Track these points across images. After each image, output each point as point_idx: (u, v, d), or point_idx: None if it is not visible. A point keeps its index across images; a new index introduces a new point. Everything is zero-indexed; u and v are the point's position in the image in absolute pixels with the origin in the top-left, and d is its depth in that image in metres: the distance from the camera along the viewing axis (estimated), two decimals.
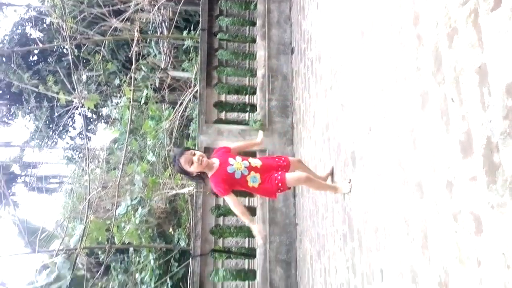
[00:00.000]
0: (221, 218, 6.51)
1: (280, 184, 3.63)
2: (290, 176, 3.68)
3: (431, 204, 2.37)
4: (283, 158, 3.99)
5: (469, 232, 2.00)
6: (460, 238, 2.08)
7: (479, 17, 1.96)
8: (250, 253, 6.65)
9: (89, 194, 6.15)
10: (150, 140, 8.67)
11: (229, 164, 3.60)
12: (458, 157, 2.11)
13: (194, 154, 3.50)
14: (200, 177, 3.65)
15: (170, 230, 8.56)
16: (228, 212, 7.41)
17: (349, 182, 3.80)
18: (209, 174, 3.60)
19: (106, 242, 6.61)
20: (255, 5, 7.27)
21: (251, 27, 7.30)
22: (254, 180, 3.64)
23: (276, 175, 3.66)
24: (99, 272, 6.82)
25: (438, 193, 2.29)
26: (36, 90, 9.37)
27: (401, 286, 2.71)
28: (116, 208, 6.99)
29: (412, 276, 2.57)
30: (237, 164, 3.63)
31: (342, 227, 4.01)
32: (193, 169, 3.50)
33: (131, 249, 9.04)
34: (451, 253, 2.15)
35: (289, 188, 3.78)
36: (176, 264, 7.98)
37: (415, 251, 2.54)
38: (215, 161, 3.63)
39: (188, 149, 3.61)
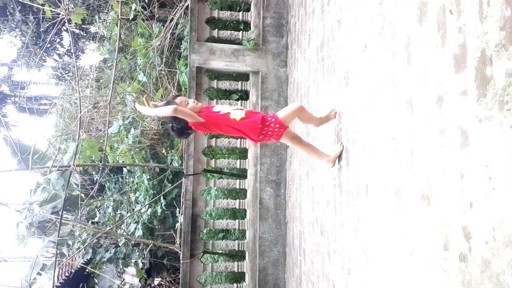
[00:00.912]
0: (214, 139, 6.56)
1: (275, 124, 3.51)
2: (284, 111, 3.62)
3: (420, 121, 2.36)
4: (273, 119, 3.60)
5: (455, 146, 2.02)
6: (445, 152, 2.10)
7: None
8: (241, 174, 6.81)
9: (80, 112, 6.09)
10: (140, 59, 8.44)
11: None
12: (451, 71, 2.06)
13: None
14: (188, 130, 3.56)
15: (163, 151, 8.64)
16: (220, 134, 7.48)
17: (340, 146, 3.72)
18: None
19: (99, 161, 6.68)
20: None
21: None
22: (236, 114, 3.53)
23: (268, 117, 3.58)
24: (93, 190, 6.97)
25: (428, 109, 2.27)
26: (21, 1, 8.88)
27: (384, 200, 2.79)
28: (108, 128, 6.98)
29: (395, 191, 2.64)
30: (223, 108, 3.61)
31: (332, 147, 4.05)
32: (189, 107, 3.43)
33: (125, 170, 9.20)
34: (435, 167, 2.18)
35: (284, 129, 3.60)
36: (170, 184, 8.17)
37: (400, 167, 2.58)
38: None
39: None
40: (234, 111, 3.54)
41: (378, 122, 2.96)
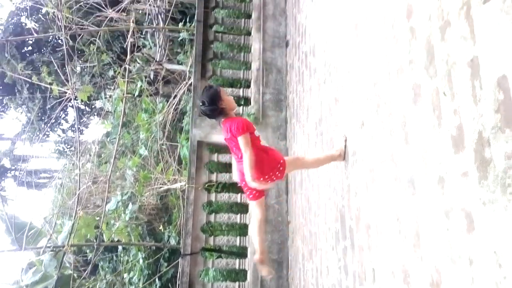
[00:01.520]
0: (213, 215, 6.42)
1: (281, 163, 3.54)
2: (288, 159, 3.71)
3: (423, 201, 2.30)
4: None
5: (461, 229, 1.93)
6: (452, 236, 2.01)
7: (471, 9, 1.89)
8: (241, 252, 6.57)
9: (79, 189, 6.04)
10: (142, 133, 8.57)
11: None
12: (449, 152, 2.03)
13: None
14: (221, 111, 3.46)
15: (161, 227, 8.45)
16: (220, 208, 7.33)
17: (344, 140, 3.69)
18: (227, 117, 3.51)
19: (94, 240, 6.50)
20: None
21: (246, 19, 7.21)
22: (264, 143, 3.62)
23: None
24: (86, 271, 6.70)
25: (430, 189, 2.22)
26: (29, 81, 9.23)
27: (393, 286, 2.64)
28: (106, 204, 6.88)
29: (404, 276, 2.50)
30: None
31: (335, 224, 3.94)
32: (228, 98, 3.49)
33: (120, 248, 8.92)
34: (443, 251, 2.08)
35: (282, 175, 3.60)
36: (166, 263, 7.86)
37: (407, 250, 2.47)
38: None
39: None
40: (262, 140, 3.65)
41: (380, 201, 2.89)
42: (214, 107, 3.43)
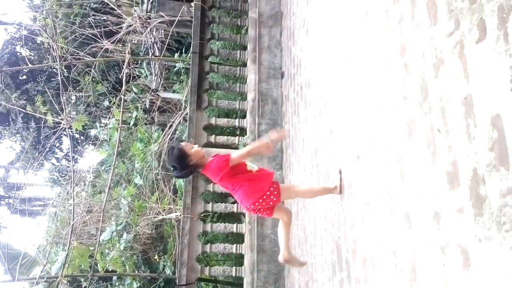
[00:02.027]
0: (208, 245, 6.37)
1: (274, 188, 3.49)
2: (283, 185, 3.71)
3: (419, 236, 2.32)
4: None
5: (457, 265, 1.95)
6: (448, 271, 2.03)
7: (465, 48, 1.96)
8: (237, 283, 6.50)
9: (73, 219, 5.99)
10: (138, 163, 8.57)
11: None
12: (445, 188, 2.07)
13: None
14: (194, 168, 3.44)
15: (156, 257, 8.35)
16: (215, 239, 7.27)
17: (339, 173, 3.72)
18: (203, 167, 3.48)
19: (89, 270, 6.41)
20: (247, 29, 7.34)
21: (242, 51, 7.35)
22: (252, 166, 3.55)
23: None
24: None
25: (426, 225, 2.24)
26: (24, 110, 9.27)
27: None
28: (101, 234, 6.82)
29: None
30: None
31: (331, 256, 3.93)
32: (194, 151, 3.36)
33: (114, 277, 8.78)
34: (440, 286, 2.09)
35: (278, 201, 3.56)
36: None
37: (403, 284, 2.47)
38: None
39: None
40: (250, 164, 3.57)
41: (377, 234, 2.90)
42: (185, 169, 3.39)
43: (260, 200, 3.46)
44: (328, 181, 4.03)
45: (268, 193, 3.47)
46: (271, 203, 3.52)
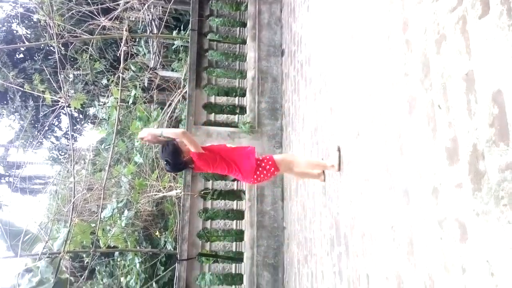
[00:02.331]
0: (209, 221, 6.46)
1: (268, 162, 3.73)
2: (278, 156, 3.92)
3: (417, 210, 2.36)
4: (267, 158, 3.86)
5: (454, 239, 2.00)
6: (445, 245, 2.08)
7: (467, 24, 1.95)
8: (237, 257, 6.61)
9: (74, 197, 6.04)
10: (137, 141, 8.58)
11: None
12: (444, 163, 2.10)
13: None
14: (185, 166, 3.73)
15: (157, 233, 8.46)
16: (216, 215, 7.35)
17: (338, 150, 3.81)
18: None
19: (90, 246, 6.50)
20: (246, 6, 7.25)
21: (241, 28, 7.27)
22: (231, 145, 3.90)
23: (262, 157, 3.83)
24: (83, 276, 6.69)
25: (424, 200, 2.28)
26: (22, 89, 9.19)
27: None
28: (102, 211, 6.88)
29: (397, 283, 2.56)
30: None
31: (330, 231, 4.00)
32: (187, 149, 3.61)
33: (116, 253, 8.91)
34: (437, 259, 2.14)
35: (277, 170, 3.80)
36: (162, 268, 7.88)
37: (401, 257, 2.53)
38: None
39: None
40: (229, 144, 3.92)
41: (375, 209, 2.95)
42: (179, 163, 3.64)
43: (258, 172, 3.72)
44: (328, 158, 4.07)
45: (263, 165, 3.73)
46: (269, 176, 3.79)
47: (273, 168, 3.75)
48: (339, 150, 3.80)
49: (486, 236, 1.77)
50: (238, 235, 7.13)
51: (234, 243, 6.42)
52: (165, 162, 3.68)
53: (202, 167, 3.76)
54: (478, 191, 1.82)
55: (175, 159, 3.59)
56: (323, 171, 4.18)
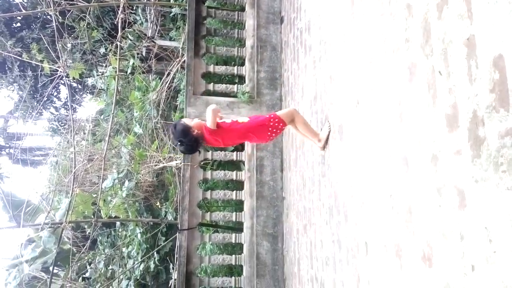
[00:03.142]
0: (209, 192, 6.49)
1: (275, 120, 3.85)
2: (281, 112, 4.07)
3: (416, 179, 2.35)
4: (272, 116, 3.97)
5: (453, 206, 1.99)
6: (443, 212, 2.07)
7: None
8: (237, 227, 6.68)
9: (75, 167, 6.05)
10: (136, 112, 8.54)
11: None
12: (443, 130, 2.07)
13: None
14: (197, 142, 3.71)
15: (157, 203, 8.53)
16: (215, 186, 7.39)
17: (328, 127, 3.96)
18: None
19: (92, 216, 6.58)
20: None
21: None
22: (243, 119, 3.92)
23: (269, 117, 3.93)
24: (85, 246, 6.80)
25: (423, 167, 2.26)
26: (20, 58, 9.08)
27: (385, 259, 2.72)
28: (103, 182, 6.92)
29: (396, 250, 2.57)
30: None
31: (329, 201, 4.01)
32: (195, 123, 3.64)
33: (117, 223, 9.02)
34: (435, 227, 2.15)
35: (285, 124, 3.92)
36: (163, 238, 8.00)
37: (399, 225, 2.54)
38: None
39: None
40: (240, 118, 3.99)
41: (374, 177, 2.94)
42: (192, 141, 3.63)
43: (269, 133, 3.87)
44: (321, 131, 4.14)
45: (271, 124, 3.85)
46: (279, 131, 3.96)
47: (281, 124, 3.88)
48: (329, 128, 3.95)
49: (484, 203, 1.76)
50: (238, 205, 7.20)
51: (234, 213, 6.47)
52: (178, 143, 3.68)
53: (213, 141, 3.79)
54: (477, 157, 1.80)
55: (187, 135, 3.59)
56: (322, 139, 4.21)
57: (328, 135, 4.00)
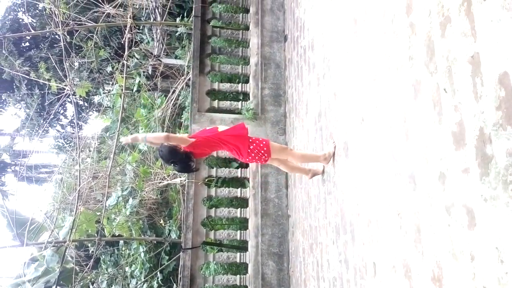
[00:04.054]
0: (213, 209, 6.44)
1: (261, 143, 3.82)
2: (274, 143, 4.01)
3: (423, 197, 2.31)
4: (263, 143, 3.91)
5: (462, 225, 1.95)
6: (453, 231, 2.03)
7: (472, 6, 1.89)
8: (242, 246, 6.59)
9: (79, 185, 6.05)
10: (142, 128, 8.56)
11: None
12: (450, 148, 2.04)
13: None
14: (189, 157, 3.73)
15: (161, 221, 8.48)
16: (220, 203, 7.34)
17: (333, 143, 3.95)
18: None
19: (96, 234, 6.53)
20: None
21: (244, 14, 7.18)
22: (223, 127, 3.96)
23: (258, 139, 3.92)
24: (88, 266, 6.74)
25: (431, 185, 2.23)
26: (28, 77, 9.21)
27: (394, 280, 2.66)
28: (107, 199, 6.90)
29: (405, 271, 2.52)
30: None
31: (335, 219, 3.96)
32: (177, 139, 3.67)
33: (121, 242, 8.96)
34: (444, 247, 2.10)
35: (269, 155, 3.86)
36: (167, 257, 7.91)
37: (408, 245, 2.49)
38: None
39: None
40: (221, 126, 4.02)
41: (381, 196, 2.90)
42: (183, 157, 3.67)
43: (249, 150, 3.81)
44: (322, 150, 4.18)
45: (254, 145, 3.81)
46: (259, 157, 3.86)
47: (265, 153, 3.83)
48: (334, 145, 3.94)
49: (494, 222, 1.72)
50: (243, 224, 7.12)
51: (238, 231, 6.40)
52: (172, 165, 3.75)
53: (201, 153, 3.84)
54: (486, 176, 1.77)
55: (176, 156, 3.63)
56: (311, 171, 4.40)
57: (334, 151, 3.97)
